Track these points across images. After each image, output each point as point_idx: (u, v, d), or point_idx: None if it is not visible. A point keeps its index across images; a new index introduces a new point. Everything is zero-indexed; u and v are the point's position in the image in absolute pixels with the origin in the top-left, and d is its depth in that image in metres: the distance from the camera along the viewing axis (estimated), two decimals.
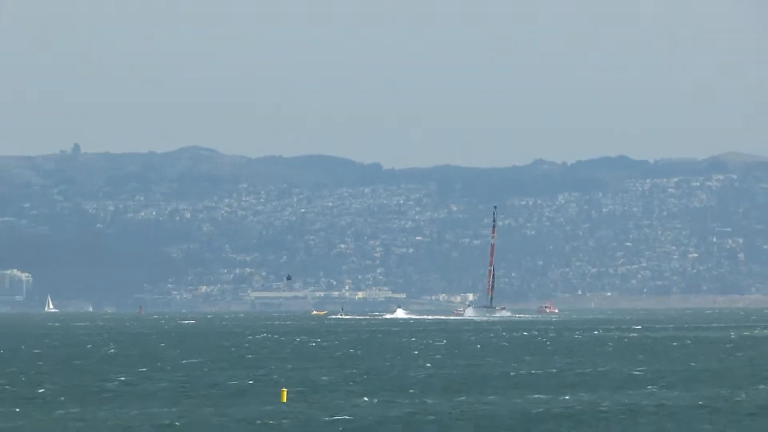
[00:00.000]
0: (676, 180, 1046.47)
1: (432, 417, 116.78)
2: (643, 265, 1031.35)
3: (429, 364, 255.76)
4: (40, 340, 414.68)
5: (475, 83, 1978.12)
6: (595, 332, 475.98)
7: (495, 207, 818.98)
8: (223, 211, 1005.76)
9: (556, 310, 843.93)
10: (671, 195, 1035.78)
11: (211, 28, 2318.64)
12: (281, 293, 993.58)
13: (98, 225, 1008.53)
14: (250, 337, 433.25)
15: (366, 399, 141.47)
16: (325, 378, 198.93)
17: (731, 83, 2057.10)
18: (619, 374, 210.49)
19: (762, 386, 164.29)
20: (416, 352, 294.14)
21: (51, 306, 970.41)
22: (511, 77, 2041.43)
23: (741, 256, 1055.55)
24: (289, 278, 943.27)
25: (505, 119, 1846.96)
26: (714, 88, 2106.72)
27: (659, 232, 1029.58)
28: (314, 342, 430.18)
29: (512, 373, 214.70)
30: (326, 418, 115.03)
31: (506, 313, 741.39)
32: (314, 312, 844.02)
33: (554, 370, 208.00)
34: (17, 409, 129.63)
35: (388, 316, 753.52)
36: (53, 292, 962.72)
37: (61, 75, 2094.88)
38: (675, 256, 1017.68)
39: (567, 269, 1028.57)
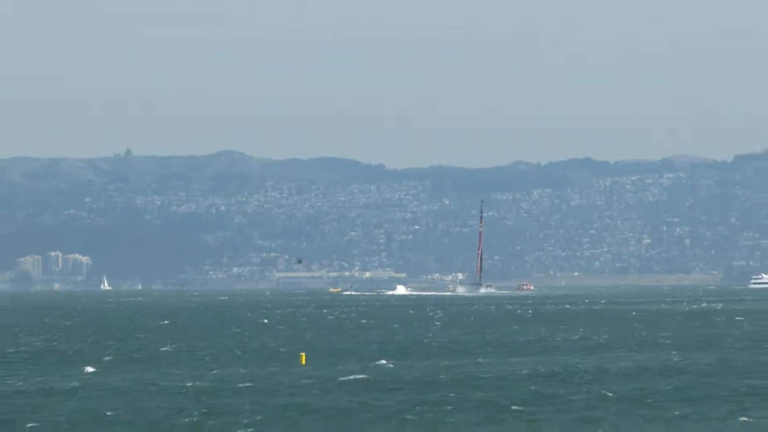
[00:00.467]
0: (633, 178, 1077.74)
1: (442, 376, 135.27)
2: (605, 249, 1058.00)
3: (430, 333, 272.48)
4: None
5: (464, 97, 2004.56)
6: (567, 306, 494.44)
7: (482, 201, 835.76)
8: (252, 205, 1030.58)
9: (532, 287, 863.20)
10: (628, 191, 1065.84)
11: (240, 53, 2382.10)
12: (301, 273, 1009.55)
13: (146, 216, 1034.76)
14: (278, 312, 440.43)
15: (377, 362, 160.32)
16: (340, 345, 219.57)
17: (681, 93, 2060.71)
18: (588, 340, 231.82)
19: (699, 351, 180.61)
20: (416, 324, 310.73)
21: (106, 285, 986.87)
22: (497, 90, 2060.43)
23: (687, 241, 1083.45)
24: (299, 261, 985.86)
25: (488, 125, 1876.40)
26: (665, 97, 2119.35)
27: (618, 222, 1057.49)
28: (331, 315, 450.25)
29: (504, 340, 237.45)
30: (341, 378, 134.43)
31: (491, 290, 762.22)
32: (331, 289, 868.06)
33: (536, 338, 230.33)
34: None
35: (391, 292, 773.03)
36: (108, 273, 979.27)
37: (117, 89, 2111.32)
38: (632, 242, 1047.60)
39: (541, 253, 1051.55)
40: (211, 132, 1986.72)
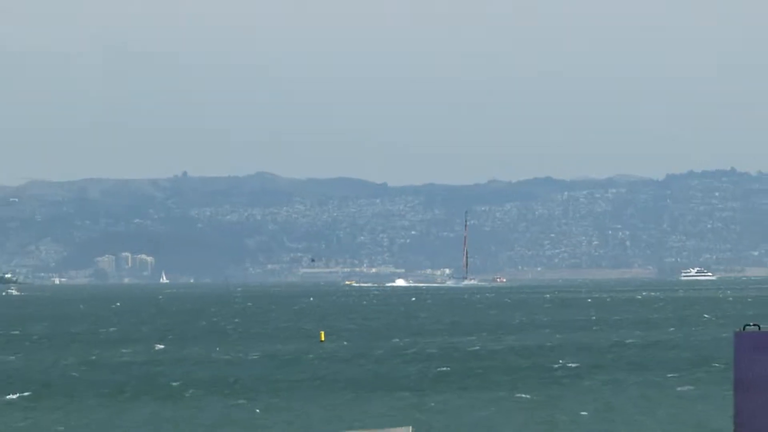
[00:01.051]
0: (584, 193, 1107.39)
1: (432, 350, 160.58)
2: (562, 249, 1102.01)
3: (425, 314, 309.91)
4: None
5: (450, 126, 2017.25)
6: (535, 294, 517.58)
7: (466, 212, 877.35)
8: (282, 215, 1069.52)
9: (504, 280, 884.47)
10: (581, 203, 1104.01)
11: (269, 88, 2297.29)
12: (320, 269, 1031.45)
13: (198, 225, 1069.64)
14: (303, 299, 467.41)
15: (385, 341, 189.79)
16: (351, 326, 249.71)
17: (623, 121, 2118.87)
18: (553, 320, 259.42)
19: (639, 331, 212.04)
20: (419, 313, 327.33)
21: (164, 279, 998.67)
22: (475, 119, 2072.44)
23: (627, 243, 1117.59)
24: (312, 260, 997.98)
25: (470, 151, 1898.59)
26: (609, 125, 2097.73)
27: (573, 228, 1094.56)
28: (342, 300, 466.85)
29: (482, 322, 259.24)
30: (354, 352, 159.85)
31: (474, 282, 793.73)
32: (347, 282, 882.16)
33: (516, 322, 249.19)
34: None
35: (392, 284, 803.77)
36: (167, 269, 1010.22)
37: (176, 118, 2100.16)
38: (583, 244, 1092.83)
39: (511, 252, 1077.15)
40: (249, 155, 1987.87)
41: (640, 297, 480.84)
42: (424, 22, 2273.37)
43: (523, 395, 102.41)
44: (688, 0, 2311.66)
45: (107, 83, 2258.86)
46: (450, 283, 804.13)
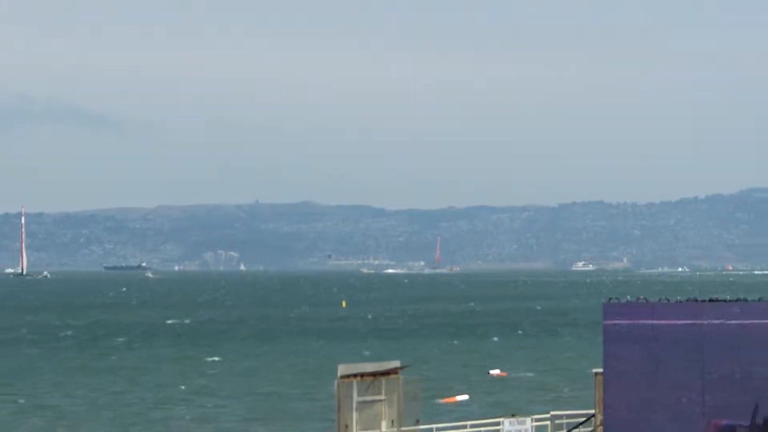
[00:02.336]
0: (507, 214, 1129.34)
1: (410, 311, 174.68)
2: (494, 250, 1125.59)
3: (408, 288, 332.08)
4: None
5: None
6: (475, 278, 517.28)
7: (438, 237, 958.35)
8: (319, 228, 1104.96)
9: (457, 269, 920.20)
10: (506, 221, 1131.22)
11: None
12: (343, 261, 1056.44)
13: (268, 234, 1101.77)
14: (331, 281, 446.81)
15: (385, 306, 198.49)
16: (362, 295, 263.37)
17: (545, 147, 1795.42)
18: (480, 293, 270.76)
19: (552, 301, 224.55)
20: (403, 287, 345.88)
21: (243, 267, 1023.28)
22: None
23: (534, 246, 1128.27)
24: (329, 256, 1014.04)
25: (433, 183, 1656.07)
26: (529, 158, 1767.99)
27: (500, 237, 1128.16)
28: (356, 282, 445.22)
29: (449, 293, 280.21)
30: (369, 315, 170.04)
31: (439, 270, 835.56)
32: (360, 269, 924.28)
33: (472, 304, 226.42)
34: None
35: (386, 271, 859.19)
36: (245, 262, 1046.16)
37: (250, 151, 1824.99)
38: (507, 247, 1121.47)
39: (462, 252, 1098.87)
40: (297, 189, 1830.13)
41: (543, 280, 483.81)
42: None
43: (455, 341, 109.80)
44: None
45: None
46: (426, 271, 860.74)
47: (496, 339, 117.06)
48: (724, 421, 20.05)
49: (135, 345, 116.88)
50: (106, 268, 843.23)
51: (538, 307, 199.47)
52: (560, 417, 28.54)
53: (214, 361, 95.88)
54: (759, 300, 22.77)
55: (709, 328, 20.97)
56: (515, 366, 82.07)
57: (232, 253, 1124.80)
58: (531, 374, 78.16)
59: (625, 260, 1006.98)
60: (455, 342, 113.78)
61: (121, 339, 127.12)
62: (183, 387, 74.91)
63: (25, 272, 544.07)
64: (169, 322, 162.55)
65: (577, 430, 26.65)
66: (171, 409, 65.03)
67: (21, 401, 67.69)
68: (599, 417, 21.81)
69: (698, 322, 21.15)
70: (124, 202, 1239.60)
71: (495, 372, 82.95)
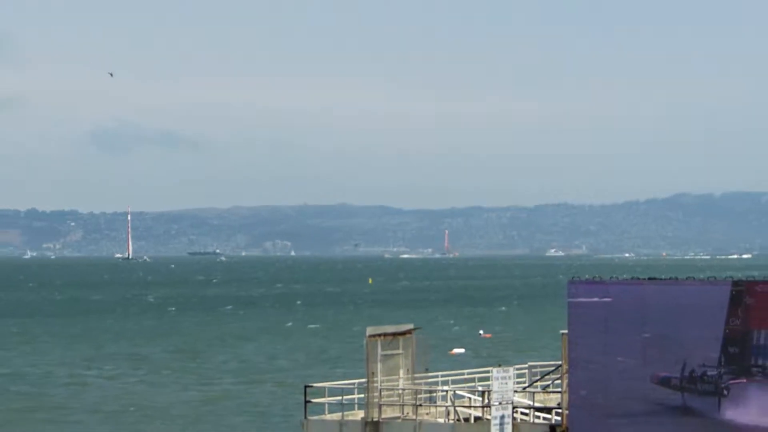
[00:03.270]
0: (495, 213, 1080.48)
1: (420, 286, 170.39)
2: (486, 240, 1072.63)
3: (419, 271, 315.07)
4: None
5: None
6: (480, 263, 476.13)
7: (446, 230, 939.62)
8: (351, 223, 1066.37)
9: (457, 254, 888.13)
10: (494, 219, 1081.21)
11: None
12: (368, 249, 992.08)
13: (311, 227, 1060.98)
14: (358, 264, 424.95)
15: (399, 282, 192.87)
16: (383, 276, 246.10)
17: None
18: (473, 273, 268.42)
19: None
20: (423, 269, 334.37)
21: (293, 252, 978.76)
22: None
23: (516, 237, 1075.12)
24: (357, 245, 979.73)
25: (438, 188, 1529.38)
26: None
27: (490, 230, 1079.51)
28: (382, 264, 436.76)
29: (452, 274, 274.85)
30: (391, 286, 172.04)
31: (445, 255, 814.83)
32: (384, 255, 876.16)
33: (461, 281, 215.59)
34: None
35: (402, 256, 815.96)
36: (296, 248, 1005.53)
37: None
38: (495, 238, 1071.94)
39: (461, 242, 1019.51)
40: (332, 190, 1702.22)
41: (523, 263, 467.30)
42: None
43: (456, 309, 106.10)
44: None
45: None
46: (435, 255, 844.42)
47: (492, 308, 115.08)
48: (663, 374, 19.72)
49: (240, 312, 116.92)
50: (189, 253, 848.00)
51: (518, 283, 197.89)
52: (536, 367, 28.35)
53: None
54: (686, 278, 23.32)
55: (649, 300, 20.62)
56: (504, 328, 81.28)
57: (286, 242, 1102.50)
58: (511, 334, 78.12)
59: (584, 248, 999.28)
60: (456, 309, 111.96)
61: (229, 306, 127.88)
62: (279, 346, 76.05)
63: (130, 257, 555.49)
64: (256, 293, 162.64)
65: (548, 376, 26.10)
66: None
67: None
68: (565, 367, 21.45)
69: (641, 294, 20.89)
70: (205, 204, 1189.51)
71: (483, 333, 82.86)
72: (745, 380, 18.28)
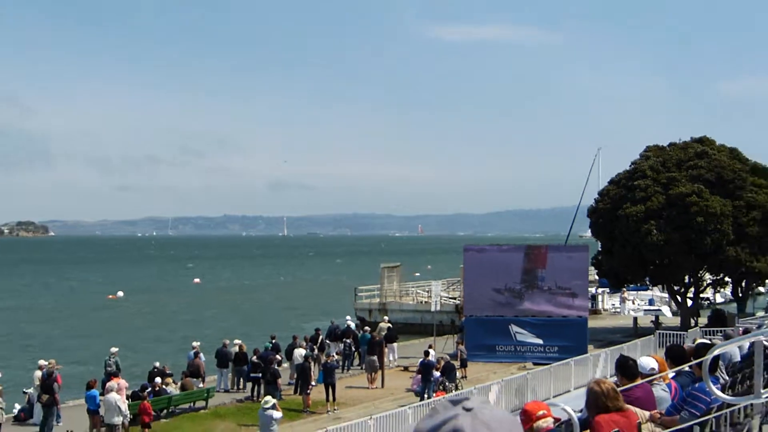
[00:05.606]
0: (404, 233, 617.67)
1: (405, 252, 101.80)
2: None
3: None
4: None
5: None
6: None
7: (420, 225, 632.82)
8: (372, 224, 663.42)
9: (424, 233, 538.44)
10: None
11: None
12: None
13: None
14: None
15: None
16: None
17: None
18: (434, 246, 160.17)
19: None
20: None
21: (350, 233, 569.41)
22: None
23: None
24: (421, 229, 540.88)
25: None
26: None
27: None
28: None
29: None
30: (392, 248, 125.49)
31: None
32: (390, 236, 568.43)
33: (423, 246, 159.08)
34: None
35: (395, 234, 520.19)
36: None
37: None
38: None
39: (442, 232, 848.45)
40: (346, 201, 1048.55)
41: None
42: None
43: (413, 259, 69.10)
44: None
45: None
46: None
47: (440, 256, 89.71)
48: (497, 286, 18.18)
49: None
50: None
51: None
52: (452, 281, 28.08)
53: None
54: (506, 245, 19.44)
55: (491, 254, 18.81)
56: (441, 266, 62.26)
57: (347, 231, 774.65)
58: (443, 270, 58.89)
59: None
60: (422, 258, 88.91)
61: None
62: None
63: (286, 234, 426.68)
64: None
65: (455, 285, 26.43)
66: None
67: None
68: (462, 280, 21.24)
69: (489, 254, 19.08)
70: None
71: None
72: (532, 290, 18.50)
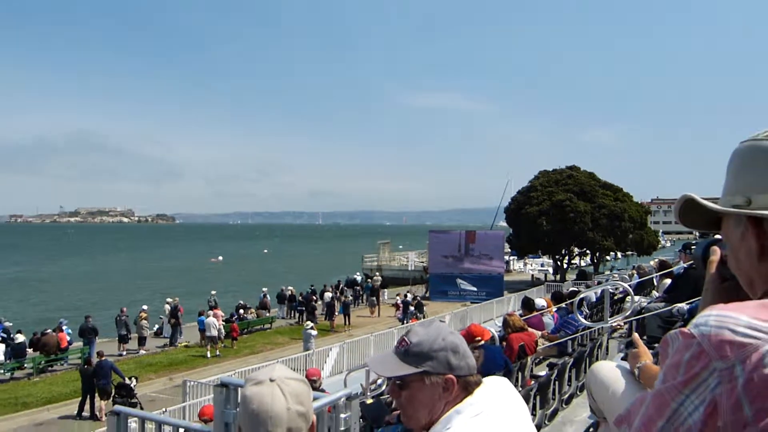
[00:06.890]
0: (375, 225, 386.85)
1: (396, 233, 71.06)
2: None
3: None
4: None
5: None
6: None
7: (404, 217, 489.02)
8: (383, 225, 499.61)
9: (407, 223, 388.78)
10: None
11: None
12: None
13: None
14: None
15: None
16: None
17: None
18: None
19: None
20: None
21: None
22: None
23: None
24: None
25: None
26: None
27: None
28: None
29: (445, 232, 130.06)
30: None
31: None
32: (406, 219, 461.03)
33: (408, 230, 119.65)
34: None
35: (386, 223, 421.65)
36: None
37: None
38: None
39: (422, 223, 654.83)
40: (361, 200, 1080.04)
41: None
42: None
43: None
44: None
45: None
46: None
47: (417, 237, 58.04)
48: (466, 264, 16.87)
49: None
50: None
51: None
52: (422, 252, 26.19)
53: None
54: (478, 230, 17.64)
55: (463, 238, 17.92)
56: (413, 243, 45.87)
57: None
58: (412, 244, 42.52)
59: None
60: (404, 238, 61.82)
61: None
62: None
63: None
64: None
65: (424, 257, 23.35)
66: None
67: None
68: (428, 254, 19.37)
69: (454, 235, 18.17)
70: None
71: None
72: (468, 257, 17.95)
